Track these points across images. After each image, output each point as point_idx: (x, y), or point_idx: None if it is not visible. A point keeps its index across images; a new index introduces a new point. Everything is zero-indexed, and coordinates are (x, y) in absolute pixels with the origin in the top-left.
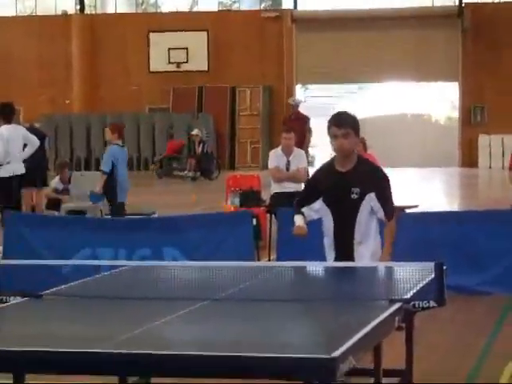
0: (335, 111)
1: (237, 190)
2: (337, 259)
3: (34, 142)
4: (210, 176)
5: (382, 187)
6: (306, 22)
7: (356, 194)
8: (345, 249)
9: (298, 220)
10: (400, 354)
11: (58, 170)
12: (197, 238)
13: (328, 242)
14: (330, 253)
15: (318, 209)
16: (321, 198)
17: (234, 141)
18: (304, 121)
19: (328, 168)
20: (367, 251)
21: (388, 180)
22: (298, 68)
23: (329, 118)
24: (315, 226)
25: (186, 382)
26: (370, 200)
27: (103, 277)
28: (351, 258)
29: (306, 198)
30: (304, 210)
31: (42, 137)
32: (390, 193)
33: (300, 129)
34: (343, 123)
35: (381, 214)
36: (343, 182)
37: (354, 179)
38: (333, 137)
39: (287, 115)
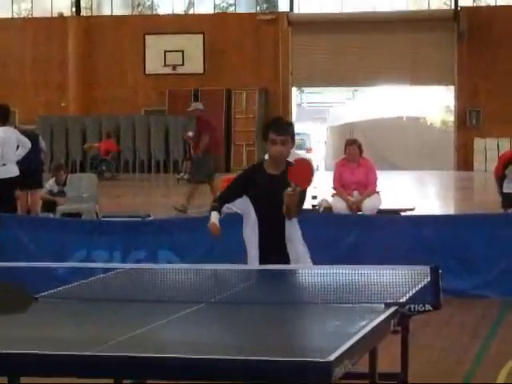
0: (274, 117)
1: None
2: (265, 256)
3: (26, 143)
4: None
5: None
6: (302, 25)
7: None
8: (275, 247)
9: (214, 217)
10: (395, 358)
11: (53, 172)
12: (192, 241)
13: (251, 239)
14: (253, 250)
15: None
16: (244, 197)
17: (230, 143)
18: (204, 125)
19: (259, 169)
20: (300, 245)
21: None
22: (293, 71)
23: (268, 123)
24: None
25: None
26: None
27: (98, 279)
28: (284, 255)
29: (232, 195)
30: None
31: (34, 139)
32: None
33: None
34: (283, 131)
35: None
36: (276, 184)
37: (286, 181)
38: (271, 142)
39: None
